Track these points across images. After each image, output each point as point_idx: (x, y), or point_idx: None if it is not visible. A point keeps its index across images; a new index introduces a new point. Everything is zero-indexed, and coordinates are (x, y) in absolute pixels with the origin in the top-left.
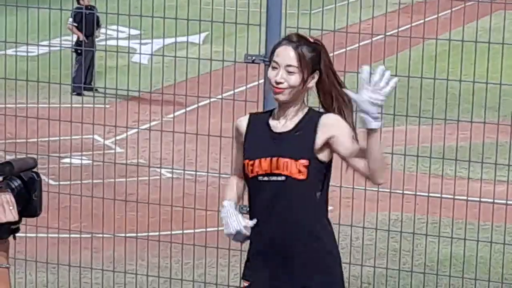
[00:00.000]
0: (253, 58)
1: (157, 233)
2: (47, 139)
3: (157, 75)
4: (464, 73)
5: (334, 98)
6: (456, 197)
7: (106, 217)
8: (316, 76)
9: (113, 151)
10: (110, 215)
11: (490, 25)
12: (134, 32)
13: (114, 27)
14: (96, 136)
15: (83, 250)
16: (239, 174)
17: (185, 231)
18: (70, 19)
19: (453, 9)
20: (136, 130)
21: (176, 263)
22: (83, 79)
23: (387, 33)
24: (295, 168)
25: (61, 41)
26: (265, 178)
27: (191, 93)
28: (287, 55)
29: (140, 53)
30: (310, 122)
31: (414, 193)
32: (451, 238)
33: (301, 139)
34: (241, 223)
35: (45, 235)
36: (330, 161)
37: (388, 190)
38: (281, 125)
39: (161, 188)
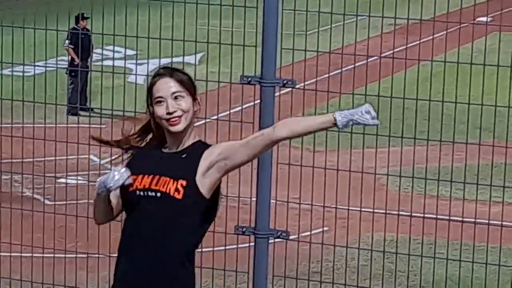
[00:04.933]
0: (249, 79)
1: None
2: (43, 159)
3: None
4: (459, 94)
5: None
6: (451, 218)
7: (101, 237)
8: (198, 99)
9: (108, 171)
10: (106, 235)
11: (485, 46)
12: (130, 52)
13: (110, 47)
14: (92, 156)
15: (79, 270)
16: None
17: None
18: (67, 41)
19: (448, 31)
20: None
21: None
22: (79, 100)
23: (383, 54)
24: (173, 186)
25: (57, 62)
26: (142, 193)
27: None
28: (167, 85)
29: (136, 74)
30: (198, 148)
31: (409, 213)
32: (447, 259)
33: (185, 162)
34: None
35: (41, 255)
36: (212, 201)
37: (384, 211)
38: (172, 150)
39: None
